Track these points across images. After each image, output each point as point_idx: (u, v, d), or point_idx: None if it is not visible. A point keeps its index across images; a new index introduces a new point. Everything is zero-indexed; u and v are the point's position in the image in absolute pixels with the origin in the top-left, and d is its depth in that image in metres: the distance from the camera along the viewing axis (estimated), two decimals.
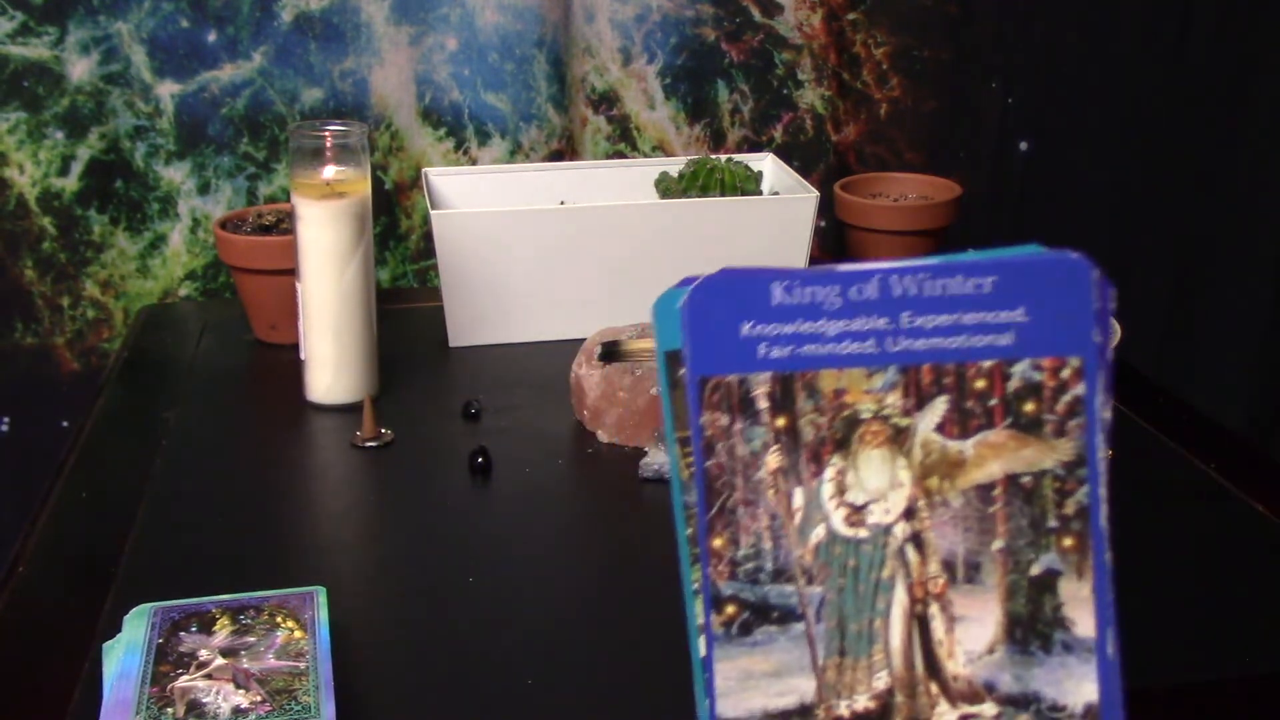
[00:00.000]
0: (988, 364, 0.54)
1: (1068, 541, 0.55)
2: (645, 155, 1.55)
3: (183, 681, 0.73)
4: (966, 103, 1.63)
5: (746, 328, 0.54)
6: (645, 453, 1.06)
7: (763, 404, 0.54)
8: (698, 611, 0.55)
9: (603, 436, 1.11)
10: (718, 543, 0.55)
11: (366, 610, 0.87)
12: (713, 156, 1.36)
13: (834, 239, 1.54)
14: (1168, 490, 1.04)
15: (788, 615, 0.55)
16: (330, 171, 1.14)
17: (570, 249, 1.29)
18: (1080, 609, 0.55)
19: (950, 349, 0.54)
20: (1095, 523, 0.55)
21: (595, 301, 1.29)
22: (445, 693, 0.79)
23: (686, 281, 0.54)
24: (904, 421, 0.55)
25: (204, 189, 1.46)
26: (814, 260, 1.36)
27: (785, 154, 1.51)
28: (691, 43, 1.54)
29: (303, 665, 0.75)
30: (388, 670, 0.81)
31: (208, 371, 1.27)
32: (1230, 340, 1.73)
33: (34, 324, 1.45)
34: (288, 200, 1.19)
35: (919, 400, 0.54)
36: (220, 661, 0.75)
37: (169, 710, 0.71)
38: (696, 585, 0.55)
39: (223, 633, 0.78)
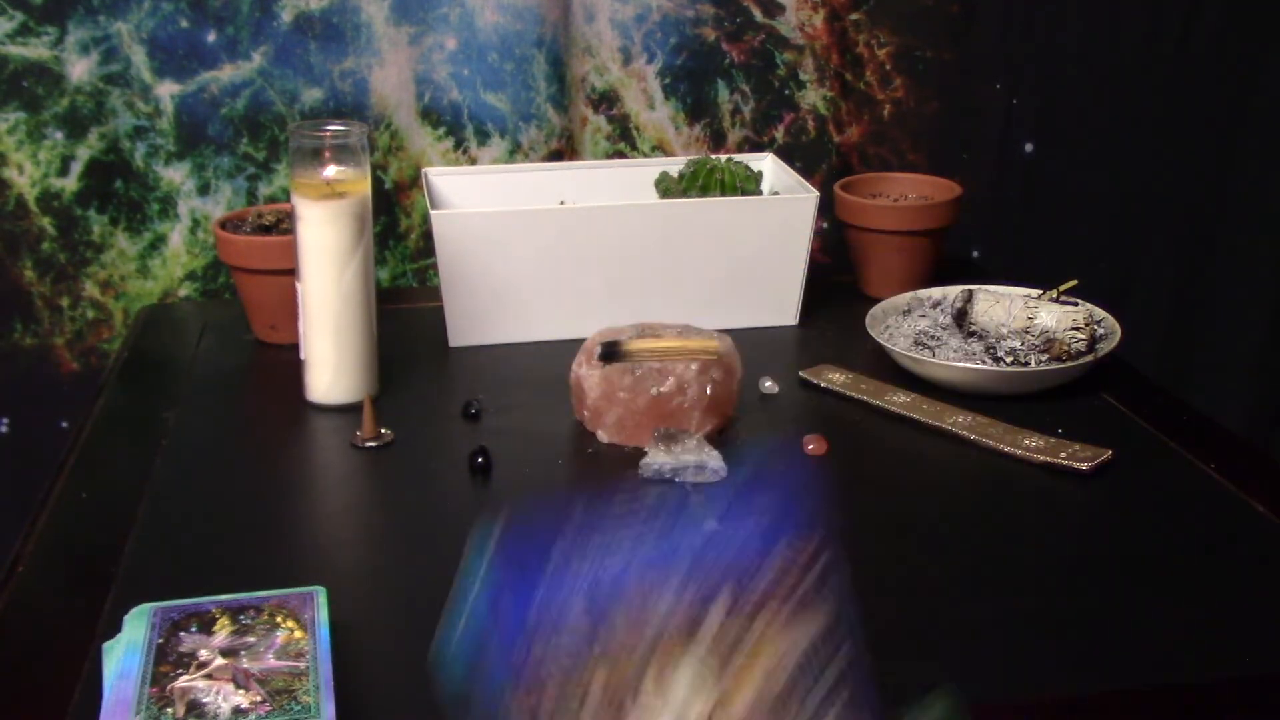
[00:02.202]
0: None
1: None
2: (645, 155, 1.55)
3: (183, 681, 0.73)
4: (970, 104, 1.62)
5: None
6: (645, 453, 1.05)
7: None
8: None
9: (603, 436, 1.10)
10: None
11: (366, 610, 0.87)
12: (713, 156, 1.36)
13: (835, 239, 1.54)
14: (1168, 490, 1.04)
15: None
16: (330, 171, 1.14)
17: (570, 249, 1.29)
18: None
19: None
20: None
21: (595, 301, 1.29)
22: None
23: None
24: None
25: (204, 189, 1.46)
26: (814, 261, 1.36)
27: (787, 155, 1.51)
28: (692, 43, 1.54)
29: (303, 665, 0.75)
30: (388, 670, 0.81)
31: (208, 371, 1.27)
32: (1230, 340, 1.73)
33: (34, 324, 1.45)
34: (288, 200, 1.19)
35: None
36: (220, 661, 0.75)
37: (169, 710, 0.71)
38: None
39: (223, 633, 0.77)
